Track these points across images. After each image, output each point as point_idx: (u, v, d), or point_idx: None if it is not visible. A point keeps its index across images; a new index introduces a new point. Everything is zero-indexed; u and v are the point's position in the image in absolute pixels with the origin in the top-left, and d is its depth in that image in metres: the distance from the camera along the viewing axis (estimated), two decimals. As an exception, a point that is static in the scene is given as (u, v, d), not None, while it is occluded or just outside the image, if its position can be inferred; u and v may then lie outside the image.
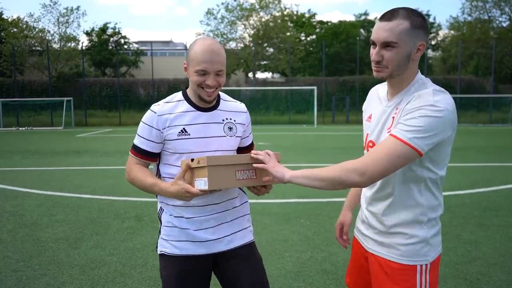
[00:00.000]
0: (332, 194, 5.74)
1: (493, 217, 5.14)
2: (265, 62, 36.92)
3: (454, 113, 1.45)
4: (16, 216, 5.37)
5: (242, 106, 1.97)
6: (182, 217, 1.82)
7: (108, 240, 4.41)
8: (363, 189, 1.76)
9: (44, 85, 29.13)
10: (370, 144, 1.64)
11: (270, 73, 40.78)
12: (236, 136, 1.89)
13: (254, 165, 1.69)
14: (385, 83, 1.66)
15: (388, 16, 1.45)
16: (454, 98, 29.08)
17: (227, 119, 1.87)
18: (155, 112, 1.79)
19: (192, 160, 1.66)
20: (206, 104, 1.82)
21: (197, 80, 1.73)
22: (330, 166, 1.56)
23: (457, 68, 30.33)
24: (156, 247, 1.92)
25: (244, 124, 1.93)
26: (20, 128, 24.48)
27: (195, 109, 1.82)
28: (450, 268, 3.63)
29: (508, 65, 33.06)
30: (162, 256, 1.88)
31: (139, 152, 1.84)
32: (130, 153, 1.90)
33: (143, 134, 1.82)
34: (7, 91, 27.98)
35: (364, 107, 1.80)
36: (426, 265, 1.56)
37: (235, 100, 1.98)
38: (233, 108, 1.92)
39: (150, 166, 1.92)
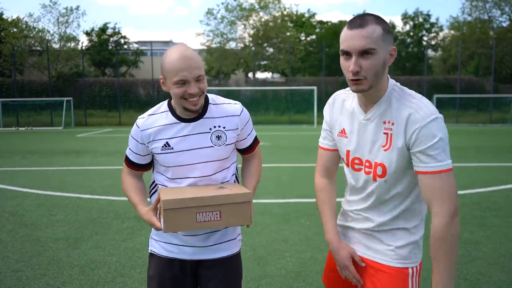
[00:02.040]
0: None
1: (493, 217, 5.14)
2: (265, 62, 36.90)
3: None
4: (16, 216, 5.37)
5: (234, 108, 1.81)
6: None
7: (108, 240, 4.41)
8: (351, 195, 1.70)
9: (44, 85, 29.10)
10: (357, 161, 1.58)
11: (270, 73, 40.75)
12: (226, 145, 1.78)
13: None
14: (348, 92, 1.60)
15: (359, 23, 1.37)
16: (454, 98, 29.06)
17: (215, 127, 1.76)
18: (139, 127, 1.77)
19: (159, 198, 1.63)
20: (192, 114, 1.73)
21: (178, 92, 1.64)
22: (437, 248, 1.44)
23: (457, 68, 30.32)
24: (148, 245, 1.95)
25: (237, 129, 1.80)
26: (20, 128, 24.48)
27: (179, 121, 1.74)
28: (450, 268, 3.62)
29: (508, 65, 33.04)
30: (151, 255, 1.90)
31: (129, 162, 1.86)
32: (124, 163, 1.91)
33: (131, 147, 1.83)
34: (7, 91, 27.95)
35: (328, 117, 1.69)
36: (417, 267, 1.60)
37: (229, 101, 1.83)
38: (223, 112, 1.79)
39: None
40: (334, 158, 1.74)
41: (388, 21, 1.47)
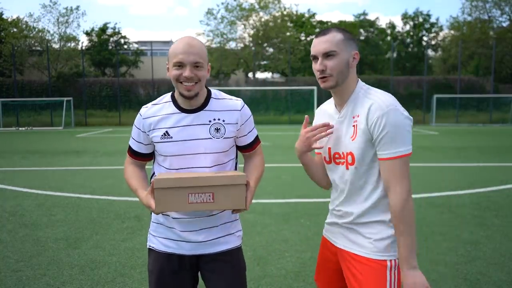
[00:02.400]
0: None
1: (493, 217, 5.14)
2: (265, 62, 36.91)
3: (400, 105, 1.62)
4: (16, 216, 5.37)
5: (235, 104, 1.84)
6: (169, 216, 1.82)
7: (108, 240, 4.41)
8: (333, 193, 1.85)
9: (44, 85, 29.11)
10: (337, 156, 1.74)
11: (270, 73, 40.75)
12: (225, 138, 1.79)
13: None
14: (330, 100, 1.83)
15: (323, 32, 1.65)
16: (454, 98, 29.09)
17: (214, 119, 1.79)
18: (141, 115, 1.83)
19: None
20: (191, 104, 1.78)
21: (175, 74, 1.70)
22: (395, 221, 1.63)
23: (457, 68, 30.32)
24: (147, 240, 1.96)
25: (237, 124, 1.82)
26: (20, 128, 24.48)
27: (179, 111, 1.79)
28: (450, 268, 3.63)
29: (508, 65, 33.04)
30: (150, 250, 1.91)
31: (131, 152, 1.90)
32: (127, 153, 1.94)
33: (133, 135, 1.88)
34: (7, 91, 27.96)
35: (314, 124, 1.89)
36: (396, 260, 1.66)
37: (231, 97, 1.88)
38: (224, 106, 1.82)
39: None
40: (321, 161, 1.91)
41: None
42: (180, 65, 1.69)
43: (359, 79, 1.73)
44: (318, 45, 1.64)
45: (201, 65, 1.71)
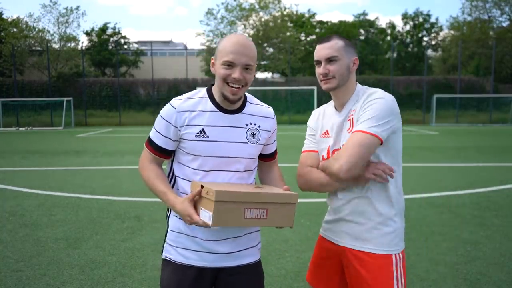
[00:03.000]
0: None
1: (493, 217, 5.14)
2: (265, 62, 36.89)
3: (394, 101, 1.71)
4: (16, 216, 5.37)
5: (269, 111, 1.82)
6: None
7: (108, 240, 4.41)
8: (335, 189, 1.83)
9: (44, 85, 29.12)
10: (336, 152, 1.76)
11: (270, 73, 40.75)
12: (259, 144, 1.75)
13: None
14: (329, 102, 1.91)
15: (326, 39, 1.77)
16: (454, 98, 29.12)
17: (251, 124, 1.73)
18: (175, 108, 1.66)
19: (202, 187, 1.54)
20: (231, 105, 1.69)
21: (223, 73, 1.59)
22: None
23: (457, 68, 30.32)
24: (162, 250, 1.82)
25: (270, 131, 1.79)
26: (20, 128, 24.48)
27: (217, 110, 1.68)
28: (450, 268, 3.63)
29: (508, 65, 33.04)
30: (166, 261, 1.78)
31: (154, 148, 1.72)
32: (145, 146, 1.76)
33: (160, 129, 1.69)
34: (7, 91, 27.97)
35: (312, 124, 1.94)
36: (399, 254, 1.70)
37: (263, 104, 1.83)
38: (259, 112, 1.77)
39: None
40: (317, 158, 1.89)
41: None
42: (230, 64, 1.59)
43: (358, 83, 1.82)
44: (321, 51, 1.75)
45: (251, 68, 1.63)
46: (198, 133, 1.64)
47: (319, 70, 1.76)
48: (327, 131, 1.84)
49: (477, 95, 28.29)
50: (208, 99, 1.70)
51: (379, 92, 1.71)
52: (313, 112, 1.98)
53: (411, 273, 3.50)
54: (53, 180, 7.85)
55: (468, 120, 26.92)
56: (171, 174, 1.78)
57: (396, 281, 1.65)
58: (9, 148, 13.88)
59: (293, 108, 28.85)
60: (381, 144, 1.63)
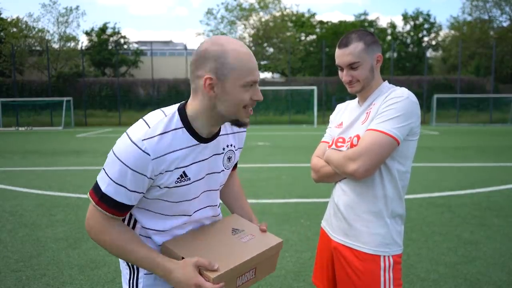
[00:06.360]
0: (332, 194, 5.73)
1: (493, 217, 5.14)
2: (265, 62, 36.92)
3: (418, 103, 1.64)
4: (16, 216, 5.37)
5: None
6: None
7: (108, 240, 4.40)
8: (340, 181, 1.79)
9: (43, 85, 29.14)
10: (340, 140, 1.75)
11: (270, 73, 40.76)
12: (232, 166, 1.49)
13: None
14: (355, 99, 1.87)
15: (344, 43, 1.69)
16: (454, 98, 29.11)
17: (227, 146, 1.42)
18: (149, 154, 1.19)
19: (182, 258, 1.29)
20: (212, 131, 1.33)
21: (245, 97, 1.22)
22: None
23: (457, 68, 30.33)
24: None
25: (241, 147, 1.52)
26: (20, 128, 24.48)
27: (198, 141, 1.30)
28: (450, 268, 3.63)
29: (508, 65, 33.06)
30: None
31: (112, 205, 1.26)
32: (95, 204, 1.30)
33: (123, 182, 1.22)
34: (6, 91, 27.99)
35: (331, 118, 1.95)
36: (389, 257, 1.64)
37: None
38: (233, 127, 1.44)
39: None
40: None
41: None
42: (253, 84, 1.24)
43: (386, 81, 1.80)
44: (342, 57, 1.70)
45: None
46: (178, 178, 1.28)
47: (342, 76, 1.73)
48: (341, 123, 1.82)
49: (477, 95, 28.30)
50: (185, 130, 1.27)
51: (403, 90, 1.66)
52: (337, 106, 1.96)
53: (411, 273, 3.50)
54: (53, 180, 7.84)
55: (469, 120, 26.93)
56: (131, 222, 1.39)
57: (383, 287, 1.61)
58: (9, 148, 13.88)
59: (293, 108, 28.87)
60: (398, 145, 1.59)
